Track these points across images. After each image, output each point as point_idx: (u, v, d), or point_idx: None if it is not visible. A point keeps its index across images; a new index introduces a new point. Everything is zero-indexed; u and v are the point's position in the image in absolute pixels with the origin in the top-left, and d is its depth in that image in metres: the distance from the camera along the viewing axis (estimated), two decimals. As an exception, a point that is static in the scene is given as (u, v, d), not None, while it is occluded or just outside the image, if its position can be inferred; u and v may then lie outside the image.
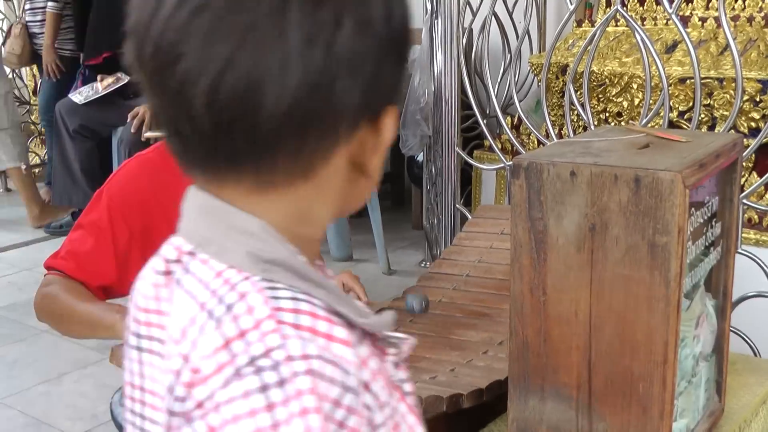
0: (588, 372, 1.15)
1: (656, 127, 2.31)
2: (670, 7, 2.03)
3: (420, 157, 3.75)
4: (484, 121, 3.00)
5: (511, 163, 2.74)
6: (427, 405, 1.29)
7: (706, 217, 1.22)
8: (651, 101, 2.41)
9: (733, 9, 2.66)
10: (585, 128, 2.75)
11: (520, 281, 1.18)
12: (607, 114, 2.79)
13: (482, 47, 3.66)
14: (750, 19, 2.63)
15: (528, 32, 3.80)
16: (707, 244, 1.24)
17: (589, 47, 2.29)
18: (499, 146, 3.28)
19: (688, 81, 2.45)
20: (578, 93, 2.60)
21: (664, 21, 2.80)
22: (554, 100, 3.05)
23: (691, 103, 2.49)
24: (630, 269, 1.08)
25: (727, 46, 2.47)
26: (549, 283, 1.15)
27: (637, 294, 1.08)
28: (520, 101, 3.02)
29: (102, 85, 3.99)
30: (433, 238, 3.14)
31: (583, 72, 2.45)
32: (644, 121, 2.27)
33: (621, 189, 1.07)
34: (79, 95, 3.99)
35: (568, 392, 1.17)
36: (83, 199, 4.18)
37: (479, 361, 1.55)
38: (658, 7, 2.90)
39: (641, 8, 2.91)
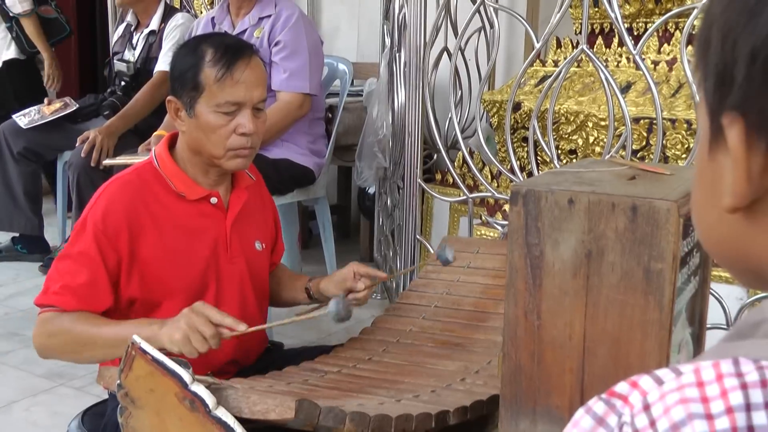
0: (581, 394, 1.18)
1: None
2: (634, 49, 2.12)
3: (371, 190, 3.77)
4: (438, 155, 3.05)
5: (469, 196, 2.81)
6: (417, 422, 1.30)
7: (689, 248, 1.27)
8: (608, 138, 2.49)
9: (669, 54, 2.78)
10: (538, 165, 2.81)
11: (515, 305, 1.20)
12: (560, 151, 2.86)
13: (434, 83, 3.75)
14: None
15: (478, 68, 3.90)
16: (689, 273, 1.29)
17: (554, 84, 2.36)
18: (451, 180, 3.35)
19: (641, 120, 2.55)
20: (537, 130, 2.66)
21: (615, 63, 2.91)
22: (504, 138, 3.11)
23: (644, 142, 2.58)
24: (625, 294, 1.13)
25: (679, 88, 2.58)
26: (544, 307, 1.18)
27: (632, 318, 1.13)
28: (470, 137, 3.09)
29: (48, 110, 3.92)
30: (386, 269, 3.16)
31: (541, 109, 2.53)
32: (606, 158, 2.34)
33: (618, 217, 1.11)
34: (24, 117, 3.91)
35: (560, 413, 1.20)
36: (25, 223, 4.08)
37: (458, 386, 1.58)
38: (608, 50, 3.01)
39: (591, 50, 3.01)
